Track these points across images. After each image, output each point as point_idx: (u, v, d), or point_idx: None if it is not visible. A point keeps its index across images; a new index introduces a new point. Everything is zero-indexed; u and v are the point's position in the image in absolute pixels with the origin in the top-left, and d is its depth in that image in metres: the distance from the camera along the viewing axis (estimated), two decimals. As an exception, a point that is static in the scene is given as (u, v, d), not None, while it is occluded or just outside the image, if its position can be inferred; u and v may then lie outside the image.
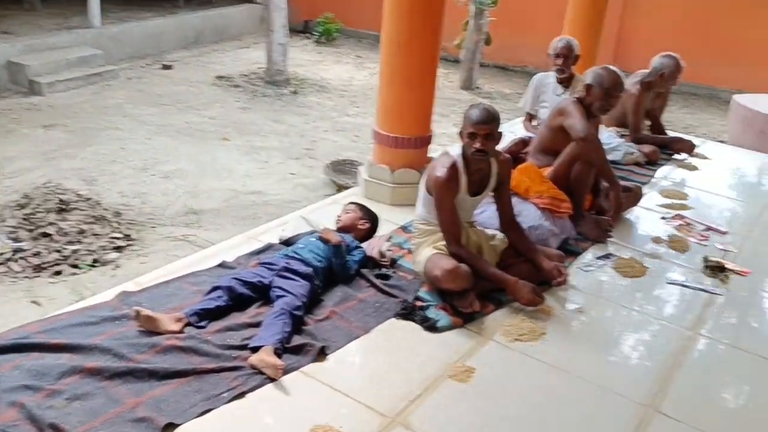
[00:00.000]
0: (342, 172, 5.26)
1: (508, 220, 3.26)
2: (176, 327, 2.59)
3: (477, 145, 2.93)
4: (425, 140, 4.05)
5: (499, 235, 3.29)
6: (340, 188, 4.96)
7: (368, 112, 7.23)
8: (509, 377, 2.61)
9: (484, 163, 3.07)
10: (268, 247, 3.32)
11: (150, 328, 2.56)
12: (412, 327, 2.84)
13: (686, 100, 9.53)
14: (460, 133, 3.03)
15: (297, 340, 2.61)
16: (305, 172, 5.58)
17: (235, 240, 3.54)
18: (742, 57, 9.33)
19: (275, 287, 2.82)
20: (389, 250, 3.29)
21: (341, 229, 3.31)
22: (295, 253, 3.03)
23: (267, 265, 2.95)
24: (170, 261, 3.48)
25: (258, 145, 6.09)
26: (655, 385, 2.62)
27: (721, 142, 7.66)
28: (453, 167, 3.00)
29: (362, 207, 3.46)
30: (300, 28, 11.89)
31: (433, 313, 2.89)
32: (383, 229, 3.62)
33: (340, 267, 3.05)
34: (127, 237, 4.15)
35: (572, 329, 2.95)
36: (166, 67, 8.40)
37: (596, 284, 3.35)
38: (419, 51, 3.85)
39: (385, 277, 3.15)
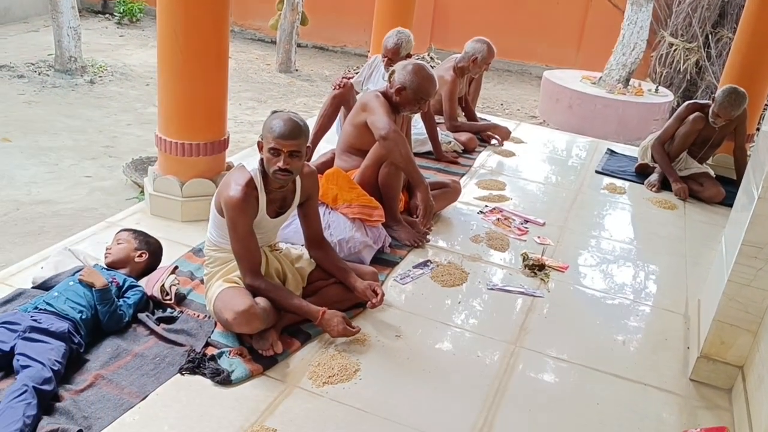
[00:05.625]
0: (146, 171, 4.60)
1: (314, 239, 2.84)
2: None
3: (280, 164, 2.45)
4: (220, 145, 3.48)
5: (307, 254, 2.89)
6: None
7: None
8: (315, 435, 2.21)
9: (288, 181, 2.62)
10: (17, 295, 2.64)
11: None
12: (201, 383, 2.34)
13: (500, 76, 9.71)
14: (260, 145, 2.54)
15: (46, 425, 2.03)
16: (104, 174, 4.85)
17: (24, 263, 2.94)
18: (550, 34, 9.66)
19: (18, 355, 2.20)
20: (174, 284, 2.74)
21: (112, 265, 2.72)
22: (47, 304, 2.41)
23: (7, 326, 2.29)
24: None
25: (46, 146, 5.23)
26: (480, 419, 2.36)
27: (533, 117, 7.84)
28: (249, 185, 2.51)
29: (138, 234, 2.85)
30: (98, 8, 10.76)
31: (226, 362, 2.42)
32: (174, 253, 3.09)
33: (108, 316, 2.47)
34: None
35: (389, 360, 2.61)
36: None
37: (415, 299, 3.05)
38: (203, 40, 3.23)
39: (170, 320, 2.62)
